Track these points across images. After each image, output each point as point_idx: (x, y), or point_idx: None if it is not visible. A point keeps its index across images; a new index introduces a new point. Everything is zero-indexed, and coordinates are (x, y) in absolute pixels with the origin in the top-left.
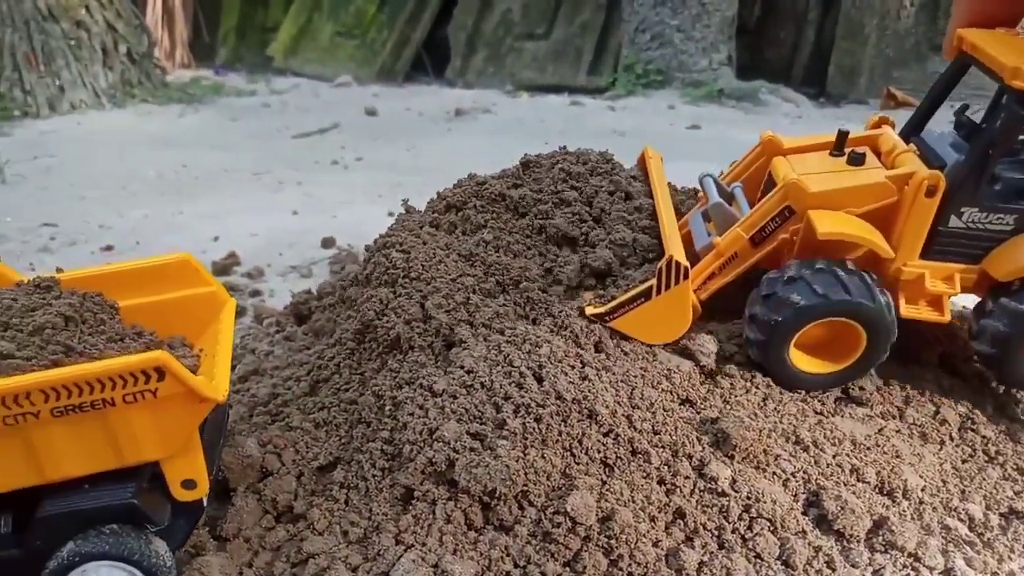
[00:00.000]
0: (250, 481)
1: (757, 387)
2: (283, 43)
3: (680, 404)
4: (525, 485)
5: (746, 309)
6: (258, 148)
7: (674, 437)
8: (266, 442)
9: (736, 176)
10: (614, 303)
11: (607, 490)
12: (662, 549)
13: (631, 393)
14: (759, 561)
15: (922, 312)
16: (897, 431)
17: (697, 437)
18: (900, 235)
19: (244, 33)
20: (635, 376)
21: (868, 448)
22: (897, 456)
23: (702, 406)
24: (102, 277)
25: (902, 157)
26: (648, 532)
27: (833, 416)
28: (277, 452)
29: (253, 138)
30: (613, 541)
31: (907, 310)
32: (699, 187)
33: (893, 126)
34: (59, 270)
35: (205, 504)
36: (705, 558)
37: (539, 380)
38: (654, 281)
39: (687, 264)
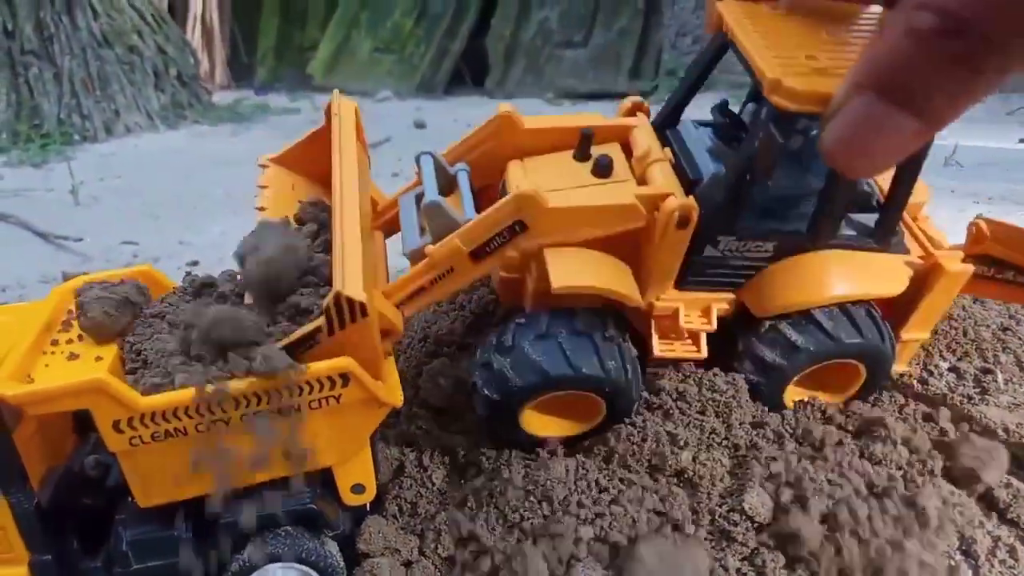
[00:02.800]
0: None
1: None
2: (322, 61)
3: None
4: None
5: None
6: None
7: None
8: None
9: (461, 156)
10: (284, 343)
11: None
12: None
13: None
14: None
15: (677, 350)
16: None
17: None
18: (651, 267)
19: (282, 53)
20: None
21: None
22: None
23: None
24: None
25: (655, 168)
26: None
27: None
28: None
29: None
30: None
31: (661, 349)
32: (416, 166)
33: (648, 113)
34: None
35: (368, 507)
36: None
37: None
38: (322, 321)
39: (363, 298)
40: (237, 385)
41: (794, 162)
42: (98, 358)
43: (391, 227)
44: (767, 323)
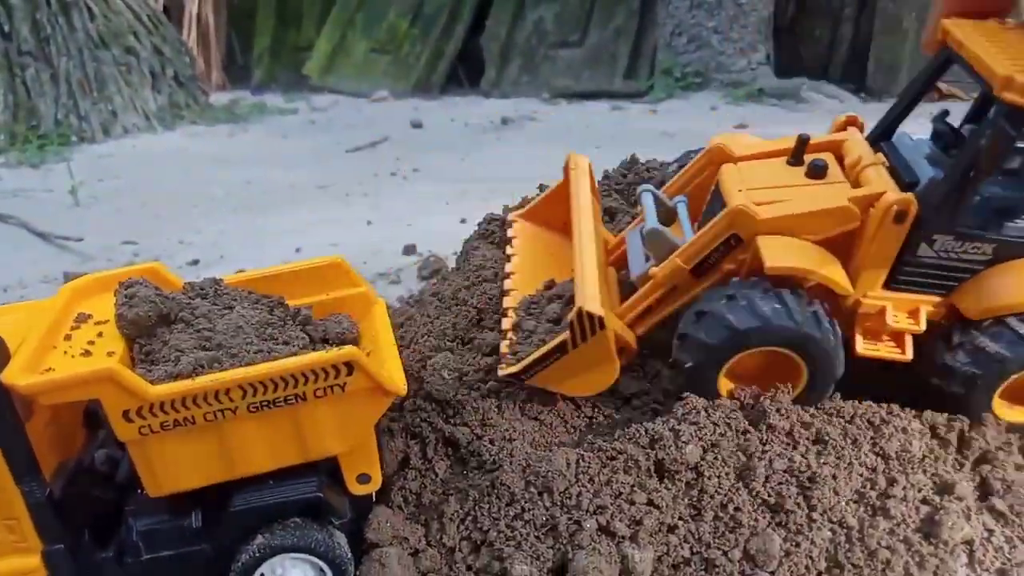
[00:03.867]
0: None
1: None
2: (318, 61)
3: None
4: None
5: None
6: (315, 163)
7: None
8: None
9: (680, 188)
10: (527, 361)
11: None
12: None
13: None
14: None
15: (881, 350)
16: None
17: None
18: (861, 263)
19: (278, 53)
20: None
21: None
22: None
23: None
24: (264, 279)
25: (869, 172)
26: None
27: None
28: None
29: (308, 154)
30: None
31: (864, 347)
32: (638, 201)
33: (862, 128)
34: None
35: (374, 498)
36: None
37: None
38: (567, 335)
39: (601, 312)
40: (241, 374)
41: (1019, 172)
42: (110, 353)
43: (621, 262)
44: (988, 320)
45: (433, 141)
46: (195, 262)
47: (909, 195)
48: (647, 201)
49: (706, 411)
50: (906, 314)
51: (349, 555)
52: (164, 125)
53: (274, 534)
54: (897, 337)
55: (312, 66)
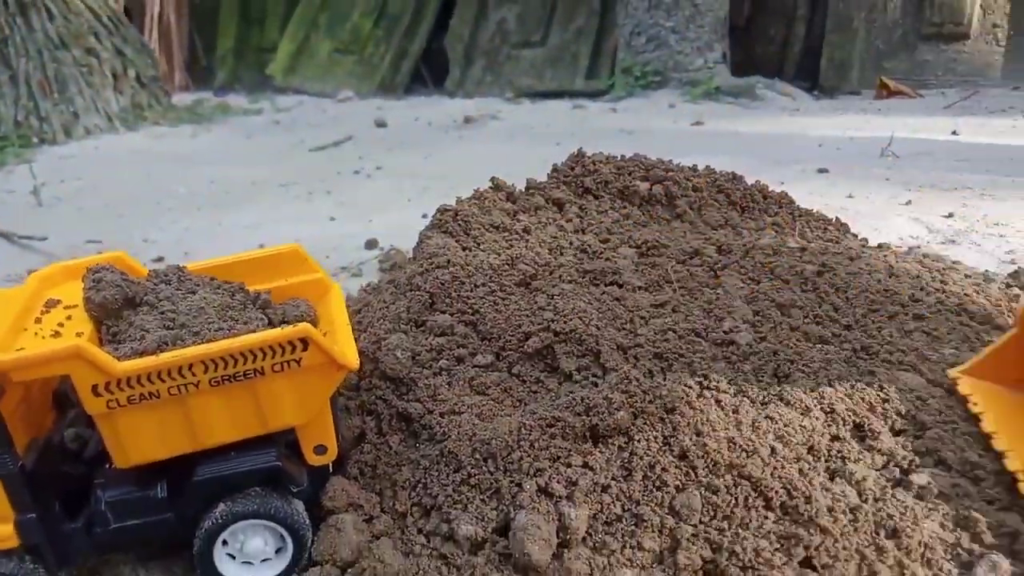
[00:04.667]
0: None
1: None
2: (282, 62)
3: None
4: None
5: None
6: (279, 162)
7: None
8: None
9: None
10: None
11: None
12: None
13: None
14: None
15: None
16: None
17: None
18: None
19: (241, 54)
20: None
21: None
22: None
23: None
24: (224, 267)
25: None
26: None
27: None
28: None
29: (271, 153)
30: None
31: None
32: None
33: None
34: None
35: (331, 469)
36: None
37: None
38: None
39: None
40: (203, 350)
41: None
42: (79, 334)
43: None
44: None
45: (397, 140)
46: (159, 259)
47: None
48: None
49: (638, 381)
50: None
51: (307, 521)
52: (126, 126)
53: (236, 502)
54: None
55: (276, 67)
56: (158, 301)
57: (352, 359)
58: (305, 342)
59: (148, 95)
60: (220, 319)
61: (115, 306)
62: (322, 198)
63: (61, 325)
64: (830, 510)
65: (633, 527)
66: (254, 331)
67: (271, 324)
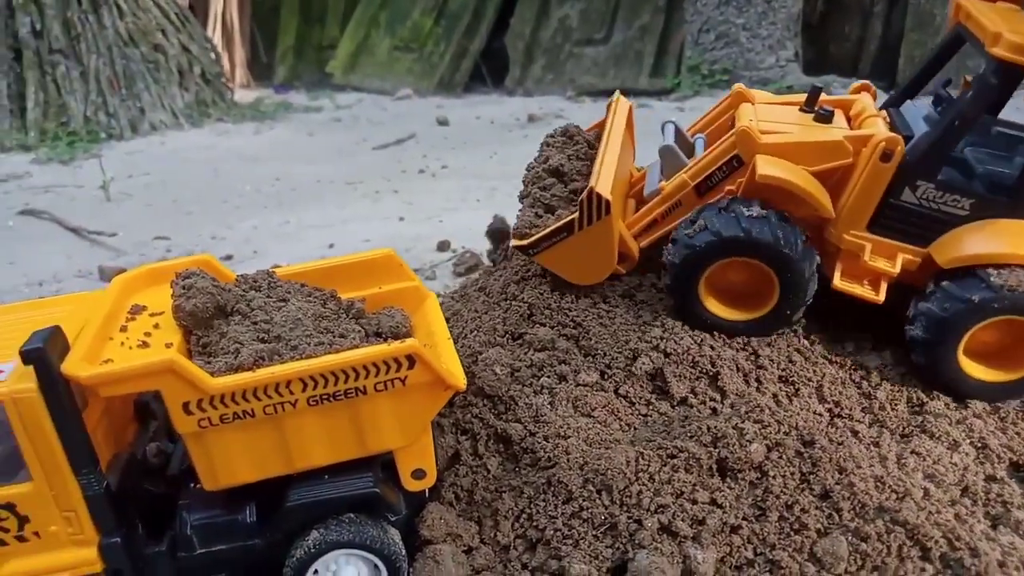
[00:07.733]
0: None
1: None
2: (342, 60)
3: None
4: None
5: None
6: (343, 160)
7: None
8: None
9: (702, 128)
10: (537, 236)
11: None
12: None
13: None
14: None
15: (855, 288)
16: None
17: None
18: (848, 199)
19: (301, 52)
20: None
21: None
22: None
23: None
24: (317, 272)
25: (869, 120)
26: None
27: None
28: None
29: (335, 151)
30: None
31: (841, 282)
32: (662, 132)
33: (875, 95)
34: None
35: (427, 495)
36: None
37: None
38: (576, 215)
39: (609, 197)
40: (303, 366)
41: (1002, 141)
42: (168, 344)
43: (641, 198)
44: (959, 269)
45: (460, 138)
46: (228, 257)
47: (896, 136)
48: (668, 132)
49: (770, 409)
50: (884, 257)
51: (403, 552)
52: (191, 122)
53: (329, 529)
54: (874, 280)
55: (335, 64)
56: (250, 310)
57: (460, 378)
58: (412, 359)
59: (212, 92)
60: (317, 331)
61: (206, 315)
62: (389, 197)
63: (148, 334)
64: (1001, 565)
65: (767, 574)
66: (355, 346)
67: (366, 336)
